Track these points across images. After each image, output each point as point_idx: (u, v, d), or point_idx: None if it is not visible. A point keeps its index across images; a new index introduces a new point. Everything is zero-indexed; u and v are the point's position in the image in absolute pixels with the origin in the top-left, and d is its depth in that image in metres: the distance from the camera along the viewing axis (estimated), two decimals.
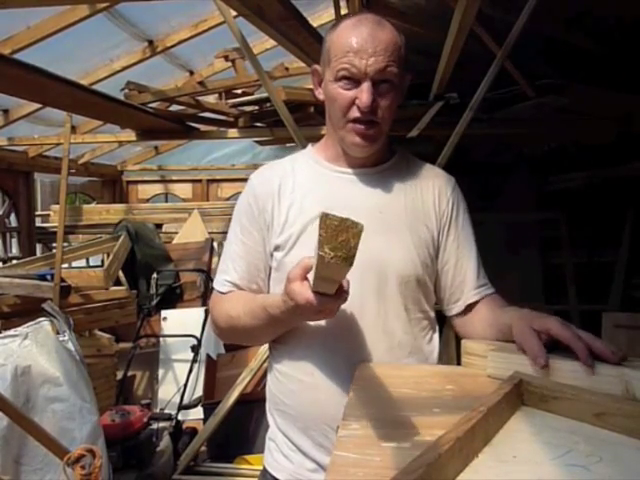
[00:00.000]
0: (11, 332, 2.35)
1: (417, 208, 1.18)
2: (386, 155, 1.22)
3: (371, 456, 0.67)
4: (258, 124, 3.92)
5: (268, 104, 3.40)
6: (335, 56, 1.09)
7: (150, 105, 3.51)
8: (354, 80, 1.08)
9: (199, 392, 3.65)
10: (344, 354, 1.11)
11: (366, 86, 1.06)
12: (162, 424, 3.10)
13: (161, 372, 4.12)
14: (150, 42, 3.43)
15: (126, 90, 3.39)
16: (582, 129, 3.48)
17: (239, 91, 3.71)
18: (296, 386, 1.15)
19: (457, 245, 1.21)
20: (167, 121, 3.77)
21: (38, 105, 3.65)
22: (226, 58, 3.46)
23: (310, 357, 1.13)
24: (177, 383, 3.92)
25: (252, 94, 3.69)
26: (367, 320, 1.12)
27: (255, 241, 1.19)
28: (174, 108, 3.84)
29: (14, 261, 4.35)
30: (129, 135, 4.15)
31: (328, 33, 1.16)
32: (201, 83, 3.63)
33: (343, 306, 0.97)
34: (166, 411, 3.43)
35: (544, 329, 0.91)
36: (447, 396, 0.87)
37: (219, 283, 1.23)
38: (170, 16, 3.26)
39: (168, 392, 3.84)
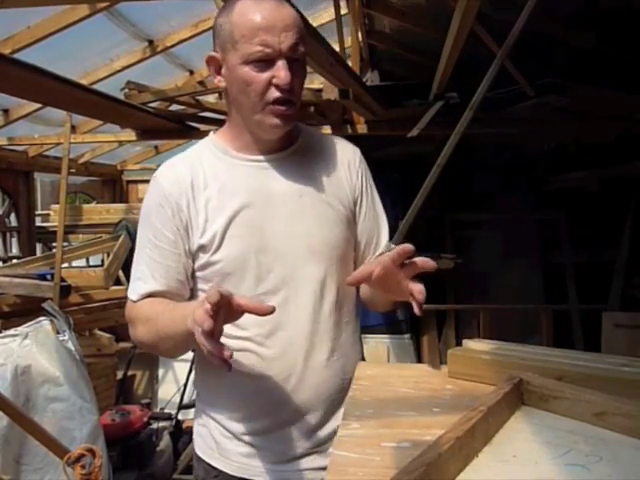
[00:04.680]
0: (11, 332, 2.36)
1: (332, 185, 1.18)
2: (294, 134, 1.19)
3: (371, 456, 0.67)
4: None
5: None
6: (243, 37, 1.04)
7: (150, 105, 3.51)
8: (267, 61, 1.04)
9: None
10: (279, 340, 1.11)
11: (282, 64, 1.04)
12: (162, 424, 3.11)
13: (161, 372, 4.13)
14: (150, 42, 3.43)
15: (126, 90, 3.38)
16: (582, 129, 3.48)
17: None
18: (233, 377, 1.09)
19: (371, 215, 1.23)
20: (167, 121, 3.76)
21: (38, 105, 3.64)
22: None
23: (247, 349, 1.11)
24: (177, 383, 3.92)
25: None
26: (300, 303, 1.12)
27: (171, 243, 1.12)
28: (174, 108, 3.84)
29: (14, 261, 4.36)
30: (129, 135, 4.15)
31: (221, 16, 1.09)
32: (201, 83, 3.63)
33: (278, 294, 1.08)
34: (166, 411, 3.44)
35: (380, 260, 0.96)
36: (447, 396, 0.88)
37: (134, 292, 1.14)
38: (170, 16, 3.26)
39: (168, 392, 3.85)
